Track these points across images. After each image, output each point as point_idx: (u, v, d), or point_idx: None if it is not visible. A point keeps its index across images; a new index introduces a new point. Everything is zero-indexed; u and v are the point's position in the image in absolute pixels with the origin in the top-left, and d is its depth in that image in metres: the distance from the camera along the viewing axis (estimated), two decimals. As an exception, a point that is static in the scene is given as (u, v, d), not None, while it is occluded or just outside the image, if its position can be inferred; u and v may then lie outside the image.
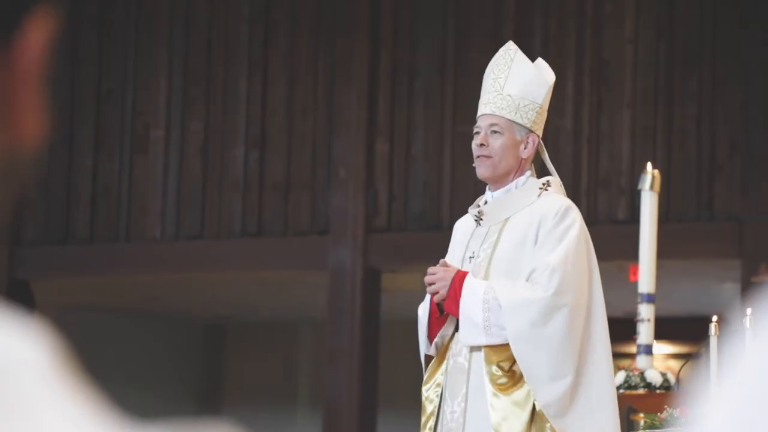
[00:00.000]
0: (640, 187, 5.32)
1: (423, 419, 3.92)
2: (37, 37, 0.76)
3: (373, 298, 7.90)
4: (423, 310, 3.93)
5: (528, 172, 3.90)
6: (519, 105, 3.89)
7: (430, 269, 3.88)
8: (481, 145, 3.88)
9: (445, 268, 3.86)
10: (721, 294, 8.12)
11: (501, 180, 3.89)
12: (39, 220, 8.44)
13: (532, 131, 3.90)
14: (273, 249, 8.03)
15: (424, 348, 3.92)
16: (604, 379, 3.73)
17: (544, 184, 3.88)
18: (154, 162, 8.29)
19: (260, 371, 10.96)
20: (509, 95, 3.89)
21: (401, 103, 7.88)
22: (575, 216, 3.81)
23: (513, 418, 3.69)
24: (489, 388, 3.71)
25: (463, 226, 4.01)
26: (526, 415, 3.68)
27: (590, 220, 7.20)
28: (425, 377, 3.93)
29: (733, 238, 7.13)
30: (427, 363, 3.93)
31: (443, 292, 3.81)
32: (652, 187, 5.26)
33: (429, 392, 3.90)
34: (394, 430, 10.32)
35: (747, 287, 6.90)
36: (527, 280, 3.76)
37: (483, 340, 3.75)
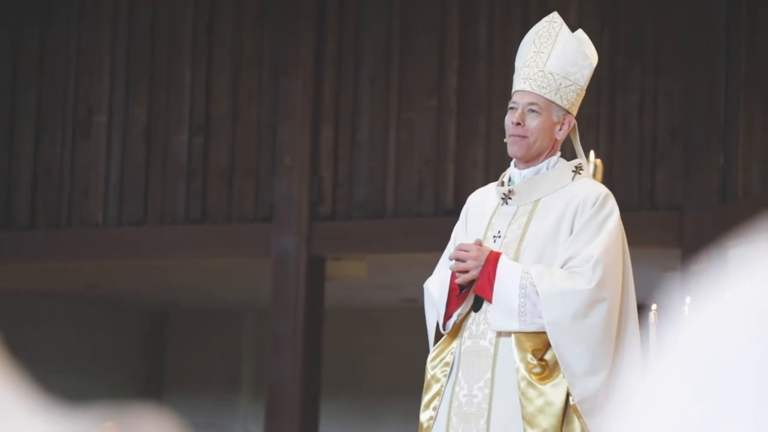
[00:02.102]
0: (582, 176, 5.35)
1: (426, 397, 3.73)
2: None
3: (317, 285, 7.90)
4: (437, 287, 3.74)
5: (558, 153, 3.76)
6: (560, 85, 3.71)
7: (463, 245, 3.68)
8: (518, 124, 3.69)
9: (479, 247, 3.66)
10: (661, 283, 8.20)
11: (535, 160, 3.72)
12: (-21, 205, 8.34)
13: (569, 112, 3.72)
14: (217, 236, 8.00)
15: (434, 326, 3.74)
16: (637, 378, 3.62)
17: (576, 167, 3.73)
18: (97, 147, 8.23)
19: (203, 358, 10.92)
20: (551, 73, 3.71)
21: (346, 90, 7.88)
22: (613, 205, 3.67)
23: (549, 410, 3.57)
24: (525, 376, 3.58)
25: (483, 202, 3.81)
26: (560, 408, 3.57)
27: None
28: (432, 355, 3.74)
29: (674, 227, 7.20)
30: (436, 340, 3.76)
31: (475, 272, 3.63)
32: (594, 176, 5.29)
33: (436, 371, 3.73)
34: (338, 417, 10.33)
35: (687, 276, 6.97)
36: (563, 268, 3.62)
37: (516, 326, 3.59)
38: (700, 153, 7.21)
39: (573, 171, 3.72)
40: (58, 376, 9.94)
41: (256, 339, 10.72)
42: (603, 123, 7.45)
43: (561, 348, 3.57)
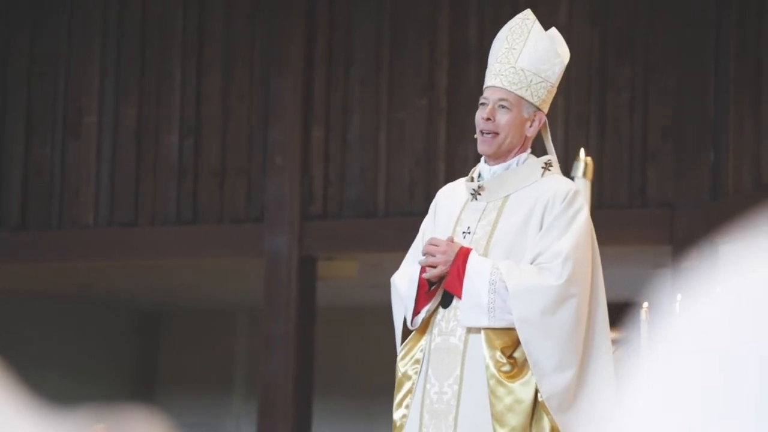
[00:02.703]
0: (573, 174, 5.36)
1: (398, 397, 3.73)
2: None
3: (309, 285, 7.90)
4: (404, 282, 3.73)
5: (529, 150, 3.76)
6: (531, 81, 3.71)
7: (434, 239, 3.67)
8: (488, 119, 3.72)
9: (449, 242, 3.64)
10: (652, 280, 8.20)
11: (502, 156, 3.73)
12: (-30, 207, 8.33)
13: (539, 109, 3.73)
14: (208, 236, 7.99)
15: (401, 322, 3.74)
16: (607, 374, 3.59)
17: (546, 164, 3.73)
18: (87, 147, 8.22)
19: (196, 359, 10.91)
20: (522, 70, 3.71)
21: (337, 90, 7.88)
22: (583, 201, 3.69)
23: (517, 408, 3.55)
24: (494, 373, 3.57)
25: (452, 197, 3.80)
26: (529, 406, 3.55)
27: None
28: (401, 353, 3.75)
29: (664, 225, 7.21)
30: (403, 338, 3.76)
31: (443, 268, 3.62)
32: (585, 174, 5.30)
33: (407, 368, 3.73)
34: (330, 417, 10.33)
35: (678, 273, 6.98)
36: (532, 264, 3.61)
37: (485, 323, 3.58)
38: (690, 150, 7.22)
39: (543, 167, 3.72)
40: (51, 377, 9.92)
41: (248, 339, 10.71)
42: (593, 121, 7.45)
43: (530, 344, 3.56)
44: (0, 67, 8.33)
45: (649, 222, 7.25)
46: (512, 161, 3.73)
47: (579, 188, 3.73)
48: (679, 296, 3.88)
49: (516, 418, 3.55)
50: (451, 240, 3.68)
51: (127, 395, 10.63)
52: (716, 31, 7.17)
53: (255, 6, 8.02)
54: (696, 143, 7.20)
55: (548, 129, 3.79)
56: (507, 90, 3.71)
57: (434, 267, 3.64)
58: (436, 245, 3.66)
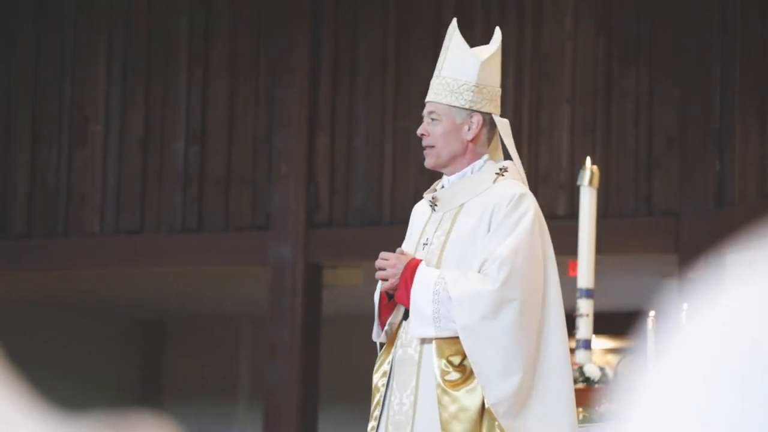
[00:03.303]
0: (579, 182, 5.35)
1: (372, 408, 3.81)
2: None
3: (314, 293, 7.90)
4: (376, 296, 3.80)
5: (485, 156, 3.73)
6: (454, 87, 3.72)
7: (383, 254, 3.72)
8: (423, 135, 3.75)
9: (399, 255, 3.71)
10: (658, 289, 8.20)
11: (453, 165, 3.74)
12: (-25, 214, 8.34)
13: (475, 111, 3.71)
14: (213, 244, 8.00)
15: (375, 335, 3.81)
16: (560, 380, 3.56)
17: (501, 170, 3.70)
18: (93, 155, 8.22)
19: (200, 366, 10.91)
20: (445, 78, 3.74)
21: (342, 98, 7.88)
22: (529, 204, 3.64)
23: (463, 416, 3.56)
24: (439, 383, 3.59)
25: (420, 212, 3.85)
26: (475, 413, 3.54)
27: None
28: (376, 365, 3.81)
29: (670, 233, 7.21)
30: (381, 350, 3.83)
31: (393, 281, 3.67)
32: (591, 182, 5.29)
33: (377, 381, 3.79)
34: (335, 425, 10.32)
35: (684, 282, 6.97)
36: (480, 271, 3.62)
37: (432, 333, 3.61)
38: (695, 159, 7.22)
39: (496, 173, 3.70)
40: (55, 385, 9.93)
41: (253, 346, 10.71)
42: (599, 129, 7.45)
43: (473, 351, 3.56)
44: (6, 75, 8.35)
45: (655, 231, 7.25)
46: (467, 169, 3.73)
47: (526, 192, 3.65)
48: (685, 305, 3.88)
49: (461, 426, 3.55)
50: (401, 252, 3.73)
51: (131, 402, 10.63)
52: (721, 40, 7.17)
53: (260, 14, 8.03)
54: (701, 152, 7.20)
55: (509, 131, 3.74)
56: (434, 102, 3.76)
57: (386, 280, 3.70)
58: (386, 259, 3.71)
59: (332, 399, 9.95)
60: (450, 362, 3.60)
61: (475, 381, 3.56)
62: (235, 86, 8.05)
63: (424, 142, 3.75)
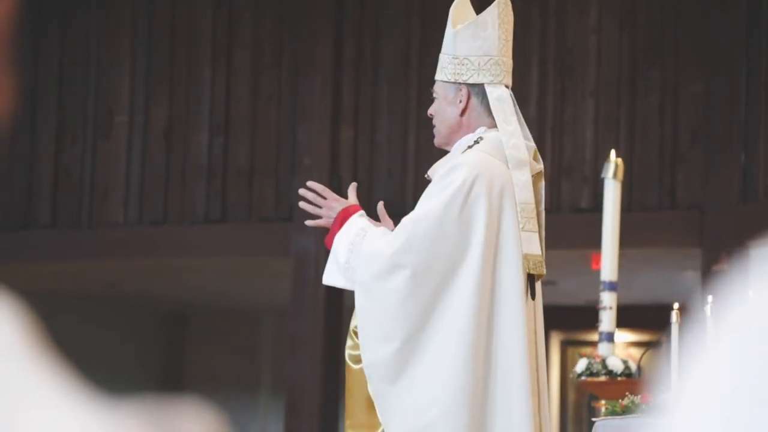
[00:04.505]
0: (603, 175, 5.34)
1: None
2: (1, 13, 0.75)
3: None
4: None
5: (481, 129, 3.58)
6: (442, 63, 3.67)
7: (325, 191, 3.61)
8: (431, 115, 3.70)
9: (336, 199, 3.60)
10: (682, 282, 8.18)
11: (452, 142, 3.63)
12: (0, 205, 8.37)
13: (462, 84, 3.60)
14: (236, 235, 8.01)
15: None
16: (444, 362, 3.35)
17: (476, 141, 3.56)
18: (117, 147, 8.25)
19: (222, 359, 10.94)
20: (440, 56, 3.72)
21: (366, 90, 7.88)
22: (459, 175, 3.46)
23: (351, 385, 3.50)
24: (348, 352, 3.54)
25: None
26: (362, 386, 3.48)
27: (553, 208, 7.24)
28: None
29: (694, 227, 7.18)
30: None
31: (323, 222, 3.59)
32: (615, 175, 5.28)
33: None
34: (357, 417, 10.31)
35: (708, 276, 6.95)
36: None
37: (341, 282, 3.52)
38: (720, 153, 7.19)
39: (469, 146, 3.57)
40: (77, 376, 9.97)
41: (275, 339, 10.73)
42: (623, 123, 7.43)
43: (359, 308, 3.47)
44: (31, 67, 8.38)
45: (679, 224, 7.22)
46: (455, 145, 3.64)
47: (464, 162, 3.46)
48: (709, 299, 3.87)
49: (350, 397, 3.53)
50: (337, 198, 3.63)
51: (154, 395, 10.67)
52: (746, 33, 7.14)
53: (284, 7, 8.04)
54: (726, 145, 7.17)
55: (506, 100, 3.59)
56: (435, 82, 3.71)
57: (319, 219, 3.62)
58: (324, 197, 3.63)
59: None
60: (356, 333, 3.54)
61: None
62: (258, 79, 8.06)
63: (433, 123, 3.72)
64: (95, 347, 10.42)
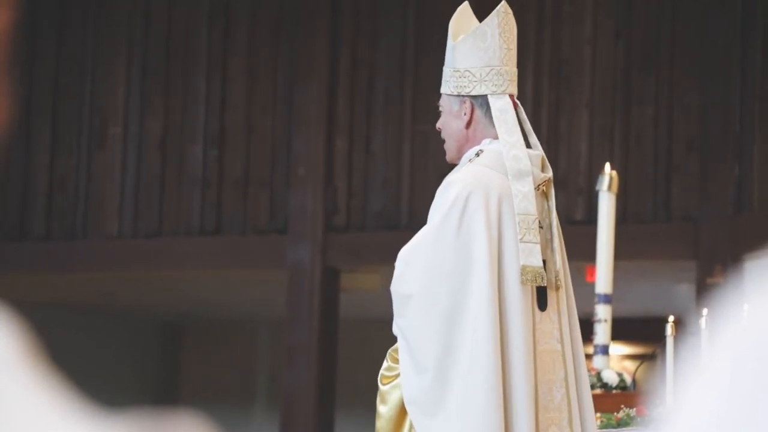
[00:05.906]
0: (598, 187, 5.35)
1: None
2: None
3: (332, 297, 7.90)
4: None
5: (485, 141, 3.56)
6: (444, 76, 3.65)
7: None
8: (439, 129, 3.67)
9: None
10: (677, 295, 8.18)
11: (461, 156, 3.60)
12: (-5, 216, 8.37)
13: (465, 96, 3.58)
14: (232, 247, 8.01)
15: None
16: (473, 383, 3.33)
17: (476, 154, 3.54)
18: (112, 158, 8.25)
19: (218, 370, 10.92)
20: (443, 69, 3.70)
21: (361, 101, 7.89)
22: (452, 194, 3.44)
23: (382, 410, 3.52)
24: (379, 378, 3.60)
25: None
26: (393, 410, 3.50)
27: (548, 219, 7.23)
28: None
29: (689, 239, 7.19)
30: None
31: None
32: (609, 187, 5.29)
33: None
34: (352, 429, 10.32)
35: (702, 288, 6.96)
36: None
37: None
38: (715, 164, 7.20)
39: (470, 160, 3.55)
40: (73, 387, 9.95)
41: (270, 350, 10.72)
42: (618, 134, 7.44)
43: (399, 348, 3.52)
44: (25, 77, 8.38)
45: (674, 237, 7.23)
46: (462, 158, 3.61)
47: (456, 180, 3.44)
48: (704, 312, 3.87)
49: (379, 422, 3.53)
50: None
51: (149, 405, 10.65)
52: (741, 44, 7.15)
53: (279, 17, 8.05)
54: (720, 157, 7.18)
55: (508, 110, 3.57)
56: (441, 95, 3.69)
57: None
58: None
59: (349, 403, 9.95)
60: (394, 357, 3.56)
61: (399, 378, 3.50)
62: (253, 89, 8.07)
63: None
64: (90, 359, 10.40)
